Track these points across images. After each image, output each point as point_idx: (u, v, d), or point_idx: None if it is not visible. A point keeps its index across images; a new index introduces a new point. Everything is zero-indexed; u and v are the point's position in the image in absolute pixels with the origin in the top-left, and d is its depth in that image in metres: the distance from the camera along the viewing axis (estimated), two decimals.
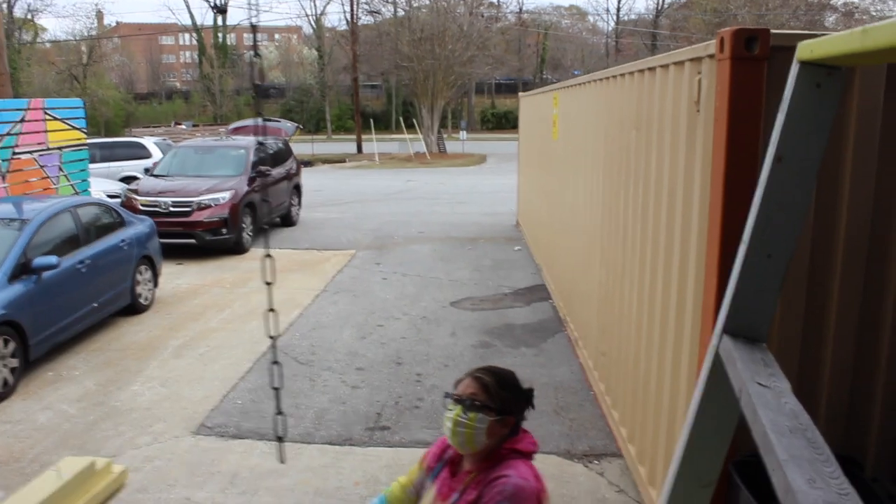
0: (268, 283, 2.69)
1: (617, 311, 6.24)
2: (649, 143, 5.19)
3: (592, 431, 6.51)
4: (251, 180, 14.85)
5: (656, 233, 4.97)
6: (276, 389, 2.74)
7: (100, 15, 73.62)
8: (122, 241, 9.88)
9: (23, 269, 7.94)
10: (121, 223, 10.14)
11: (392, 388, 7.53)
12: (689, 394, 4.25)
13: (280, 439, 2.79)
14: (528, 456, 2.58)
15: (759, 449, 1.51)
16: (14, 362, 7.61)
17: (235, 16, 76.59)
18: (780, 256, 1.77)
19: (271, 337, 2.63)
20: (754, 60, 3.50)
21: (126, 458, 6.15)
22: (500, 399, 2.56)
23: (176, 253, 13.75)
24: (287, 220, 17.42)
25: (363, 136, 45.49)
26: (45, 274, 8.12)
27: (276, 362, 2.76)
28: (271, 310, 2.74)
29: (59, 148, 13.98)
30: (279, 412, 3.07)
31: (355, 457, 6.11)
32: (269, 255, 2.82)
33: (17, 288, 7.81)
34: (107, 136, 46.53)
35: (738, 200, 3.57)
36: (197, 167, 15.40)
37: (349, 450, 6.26)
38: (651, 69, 5.18)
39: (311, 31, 68.52)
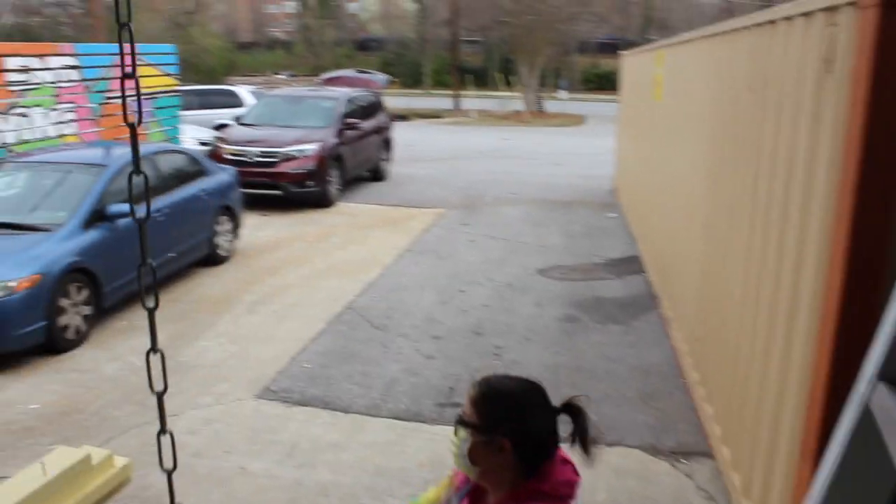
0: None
1: (717, 295, 5.61)
2: (765, 109, 4.52)
3: (682, 425, 5.93)
4: (340, 132, 14.52)
5: (769, 210, 4.32)
6: (169, 473, 2.18)
7: None
8: (203, 190, 9.67)
9: (98, 217, 7.78)
10: (202, 172, 9.92)
11: (468, 361, 7.08)
12: (798, 401, 3.66)
13: None
14: (557, 500, 1.97)
15: None
16: (87, 310, 7.49)
17: None
18: None
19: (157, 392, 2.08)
20: None
21: (186, 419, 5.93)
22: (487, 416, 2.01)
23: (261, 204, 13.57)
24: (376, 175, 17.08)
25: (461, 92, 44.85)
26: (121, 221, 7.94)
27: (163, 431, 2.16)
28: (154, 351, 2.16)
29: (152, 94, 13.91)
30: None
31: (422, 435, 5.70)
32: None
33: (92, 235, 7.65)
34: (210, 83, 47.15)
35: (877, 184, 2.95)
36: (286, 117, 15.14)
37: (417, 427, 5.86)
38: (771, 22, 4.50)
39: None
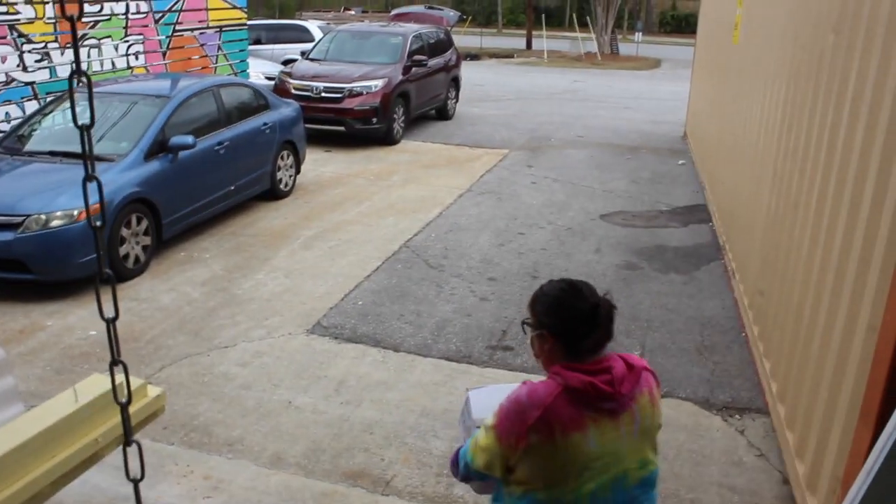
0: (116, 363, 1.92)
1: (784, 247, 5.36)
2: (851, 51, 4.21)
3: (738, 380, 5.74)
4: (406, 69, 14.32)
5: (845, 161, 4.06)
6: (136, 483, 2.04)
7: None
8: (265, 124, 9.64)
9: (160, 148, 7.81)
10: (265, 106, 9.88)
11: (523, 305, 6.90)
12: (862, 362, 3.47)
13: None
14: (564, 379, 2.26)
15: None
16: (146, 240, 7.58)
17: None
18: None
19: (121, 402, 1.95)
20: None
21: (237, 351, 5.97)
22: (535, 315, 2.40)
23: (325, 140, 13.55)
24: (442, 114, 16.87)
25: (534, 32, 43.96)
26: (182, 153, 7.98)
27: (130, 443, 2.01)
28: (116, 363, 1.99)
29: (220, 27, 13.90)
30: None
31: (471, 377, 5.63)
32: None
33: (153, 166, 7.70)
34: (281, 18, 47.18)
35: None
36: (353, 53, 14.97)
37: (466, 368, 5.80)
38: None
39: None
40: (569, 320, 2.32)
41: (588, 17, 42.62)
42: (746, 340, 6.36)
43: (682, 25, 61.08)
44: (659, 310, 6.99)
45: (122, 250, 7.25)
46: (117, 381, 1.96)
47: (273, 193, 9.95)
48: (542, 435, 2.22)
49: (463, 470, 2.47)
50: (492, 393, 2.64)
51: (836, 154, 4.26)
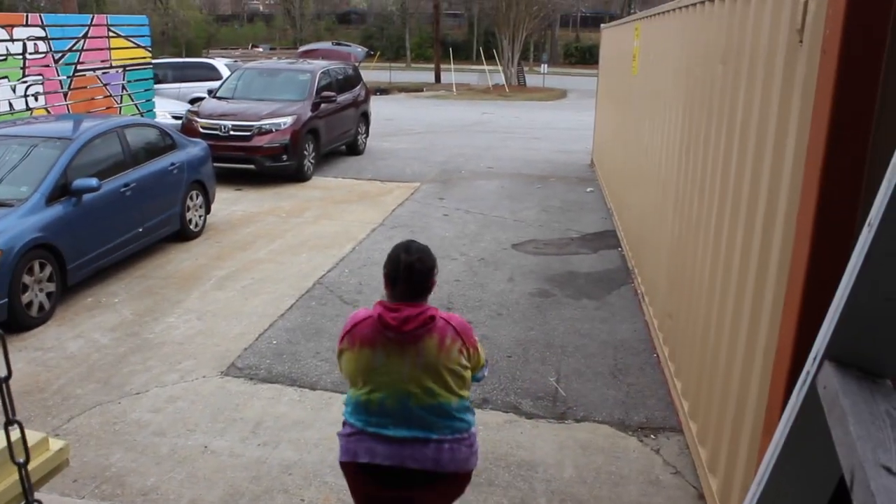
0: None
1: (689, 270, 5.55)
2: (737, 81, 4.43)
3: (651, 400, 5.88)
4: (315, 106, 14.32)
5: (739, 185, 4.25)
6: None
7: None
8: (172, 164, 9.50)
9: (62, 191, 7.62)
10: (172, 146, 9.74)
11: None
12: (763, 377, 3.62)
13: None
14: (374, 310, 3.21)
15: None
16: (51, 287, 7.35)
17: None
18: None
19: (18, 462, 1.91)
20: None
21: (149, 397, 5.83)
22: None
23: (235, 178, 13.42)
24: (353, 149, 16.91)
25: (442, 66, 44.57)
26: (86, 196, 7.79)
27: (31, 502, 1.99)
28: (11, 423, 1.96)
29: (123, 66, 13.68)
30: None
31: None
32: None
33: (56, 210, 7.49)
34: (188, 57, 46.65)
35: (843, 156, 2.86)
36: (261, 90, 14.91)
37: None
38: None
39: None
40: (390, 271, 3.19)
41: (494, 50, 43.42)
42: (658, 362, 6.53)
43: (587, 56, 62.76)
44: (573, 335, 7.11)
45: (25, 298, 7.01)
46: (14, 439, 1.91)
47: (183, 234, 9.79)
48: (349, 342, 3.23)
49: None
50: None
51: (729, 177, 4.46)
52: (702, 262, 5.10)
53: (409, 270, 3.15)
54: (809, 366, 1.27)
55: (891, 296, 1.15)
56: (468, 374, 3.28)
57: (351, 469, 3.31)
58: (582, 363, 6.52)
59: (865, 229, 1.16)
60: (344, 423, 3.33)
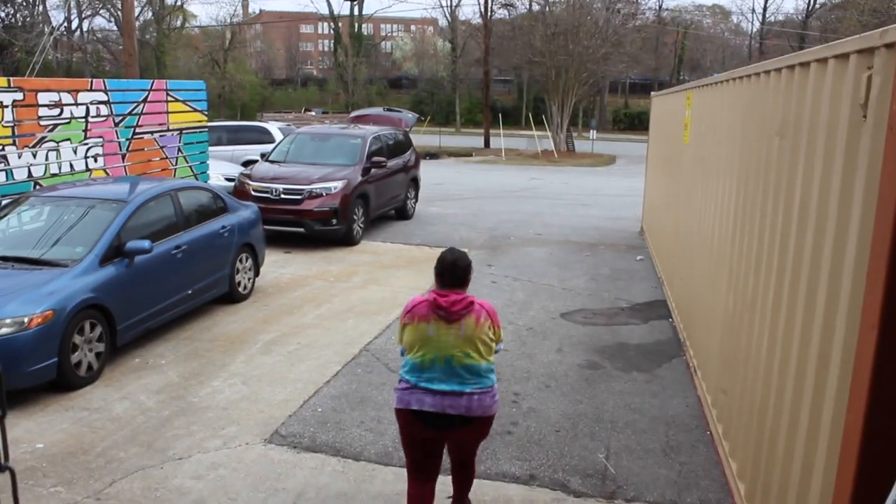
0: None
1: (743, 346, 5.38)
2: (795, 155, 4.33)
3: (705, 481, 5.66)
4: (365, 171, 14.45)
5: (797, 263, 4.12)
6: None
7: (245, 3, 75.94)
8: (223, 227, 9.60)
9: (116, 252, 7.72)
10: (223, 209, 9.86)
11: None
12: (828, 467, 3.43)
13: None
14: (429, 295, 4.50)
15: None
16: (100, 347, 7.40)
17: (372, 5, 77.30)
18: None
19: None
20: None
21: (192, 463, 5.77)
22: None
23: (285, 241, 13.53)
24: (402, 214, 17.01)
25: (491, 131, 44.99)
26: (138, 258, 7.88)
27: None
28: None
29: (180, 129, 13.97)
30: None
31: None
32: None
33: (108, 271, 7.58)
34: (242, 119, 47.80)
35: None
36: (312, 154, 15.11)
37: None
38: (803, 65, 4.32)
39: (446, 23, 68.41)
40: (439, 268, 4.50)
41: (543, 116, 43.70)
42: (711, 439, 6.31)
43: (635, 122, 63.01)
44: (623, 410, 6.93)
45: (75, 358, 7.06)
46: None
47: (231, 297, 9.84)
48: (409, 318, 4.50)
49: None
50: None
51: (788, 255, 4.32)
52: (758, 339, 4.94)
53: (453, 266, 4.47)
54: None
55: None
56: (493, 345, 4.55)
57: (403, 415, 4.49)
58: (632, 439, 6.33)
59: None
60: (400, 381, 4.52)
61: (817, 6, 63.72)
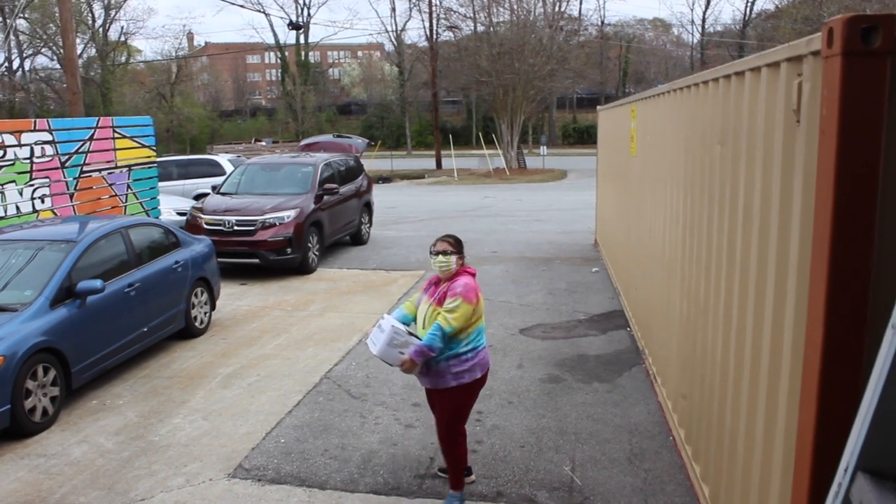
0: None
1: (699, 350, 5.46)
2: (737, 161, 4.43)
3: (671, 486, 5.72)
4: (318, 198, 14.42)
5: (745, 265, 4.21)
6: None
7: (190, 36, 75.63)
8: (177, 262, 9.51)
9: (66, 294, 7.60)
10: (176, 244, 9.77)
11: None
12: (786, 462, 3.50)
13: None
14: (471, 273, 5.38)
15: None
16: (55, 391, 7.27)
17: (317, 33, 77.36)
18: None
19: None
20: (874, 56, 2.75)
21: (155, 503, 5.67)
22: (458, 248, 5.39)
23: (241, 273, 13.44)
24: (357, 239, 16.99)
25: (442, 152, 45.17)
26: (90, 298, 7.77)
27: None
28: None
29: (129, 166, 13.84)
30: None
31: None
32: None
33: (60, 313, 7.45)
34: (192, 152, 47.46)
35: (850, 239, 2.82)
36: (264, 184, 15.05)
37: (395, 501, 5.62)
38: (738, 74, 4.43)
39: (392, 47, 68.69)
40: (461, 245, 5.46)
41: (494, 135, 44.05)
42: (675, 444, 6.38)
43: (584, 136, 63.78)
44: (586, 421, 6.98)
45: (28, 403, 6.92)
46: None
47: (188, 332, 9.73)
48: (477, 296, 5.25)
49: (441, 341, 5.10)
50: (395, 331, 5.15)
51: (735, 260, 4.42)
52: (713, 343, 5.02)
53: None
54: (841, 478, 1.20)
55: None
56: None
57: (485, 374, 5.51)
58: (597, 450, 6.38)
59: (889, 331, 1.11)
60: (474, 349, 5.29)
61: (753, 16, 65.21)
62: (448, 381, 5.28)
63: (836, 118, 2.85)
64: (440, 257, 5.29)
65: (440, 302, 5.22)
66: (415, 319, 5.53)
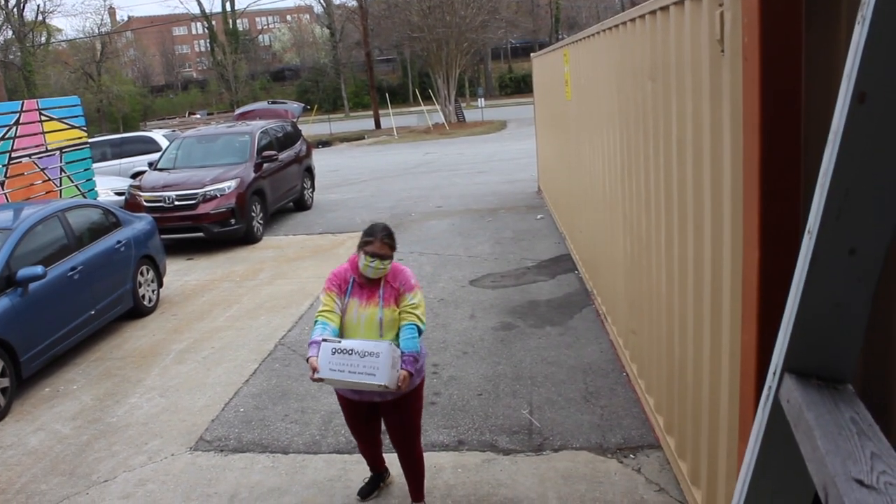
0: None
1: (645, 286, 5.58)
2: (667, 95, 4.50)
3: (626, 420, 5.87)
4: (258, 166, 14.25)
5: (682, 197, 4.29)
6: None
7: (112, 11, 73.49)
8: (119, 242, 9.35)
9: (7, 283, 7.44)
10: (116, 224, 9.60)
11: None
12: (732, 383, 3.61)
13: None
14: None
15: None
16: (4, 382, 7.14)
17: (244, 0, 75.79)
18: (871, 251, 1.12)
19: None
20: None
21: (118, 483, 5.66)
22: (393, 247, 4.67)
23: (186, 248, 13.28)
24: (300, 205, 16.86)
25: (381, 112, 44.85)
26: (32, 285, 7.61)
27: None
28: None
29: (60, 149, 13.49)
30: None
31: (365, 466, 5.50)
32: None
33: (2, 303, 7.30)
34: (125, 131, 46.37)
35: (778, 159, 2.89)
36: (201, 157, 14.79)
37: (359, 458, 5.64)
38: (664, 8, 4.48)
39: (322, 9, 67.62)
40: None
41: (430, 90, 43.78)
42: (628, 380, 6.52)
43: (521, 86, 63.68)
44: (541, 364, 7.09)
45: None
46: None
47: (137, 311, 9.61)
48: None
49: (421, 344, 4.65)
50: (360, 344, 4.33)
51: (672, 193, 4.50)
52: (657, 277, 5.13)
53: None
54: (770, 380, 1.25)
55: (839, 300, 1.14)
56: None
57: None
58: (553, 391, 6.50)
59: (806, 237, 1.15)
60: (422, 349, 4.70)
61: None
62: (414, 381, 4.53)
63: (757, 44, 2.91)
64: (377, 262, 4.46)
65: (394, 302, 4.55)
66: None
